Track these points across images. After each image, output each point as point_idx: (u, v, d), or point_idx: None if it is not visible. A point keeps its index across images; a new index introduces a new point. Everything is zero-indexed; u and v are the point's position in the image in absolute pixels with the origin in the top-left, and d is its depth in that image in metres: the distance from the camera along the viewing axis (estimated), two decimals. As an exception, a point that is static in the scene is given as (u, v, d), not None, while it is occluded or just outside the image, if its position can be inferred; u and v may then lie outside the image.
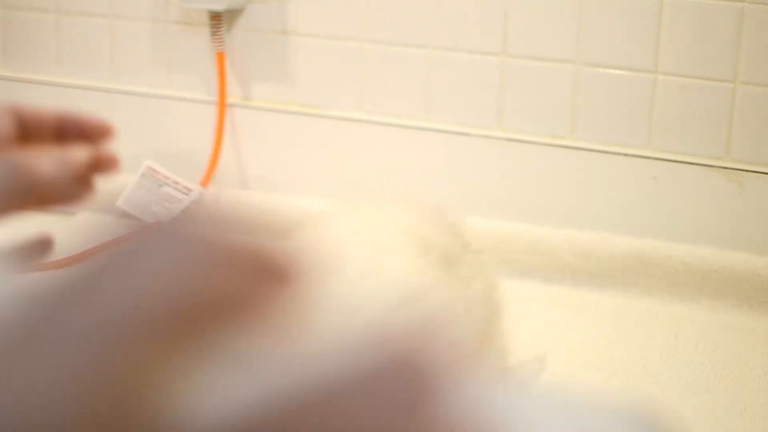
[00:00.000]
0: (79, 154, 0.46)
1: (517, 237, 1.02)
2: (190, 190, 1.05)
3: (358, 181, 1.11)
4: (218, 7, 1.09)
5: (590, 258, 1.00)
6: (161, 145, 1.17)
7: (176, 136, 1.17)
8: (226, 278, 0.20)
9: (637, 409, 0.27)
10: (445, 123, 1.08)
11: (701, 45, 0.99)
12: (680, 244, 1.00)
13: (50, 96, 1.20)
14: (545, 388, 0.26)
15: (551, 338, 0.88)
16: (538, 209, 1.06)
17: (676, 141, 1.02)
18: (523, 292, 0.98)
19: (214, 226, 0.21)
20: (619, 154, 1.03)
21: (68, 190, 0.45)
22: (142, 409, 0.18)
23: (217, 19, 1.11)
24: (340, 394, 0.19)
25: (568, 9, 1.02)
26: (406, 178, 1.10)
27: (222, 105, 1.12)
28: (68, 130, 0.48)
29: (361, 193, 1.11)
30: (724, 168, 1.01)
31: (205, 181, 1.11)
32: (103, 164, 0.47)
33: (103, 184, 0.49)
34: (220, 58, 1.11)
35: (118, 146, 0.50)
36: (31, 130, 0.47)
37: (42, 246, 0.44)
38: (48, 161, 0.43)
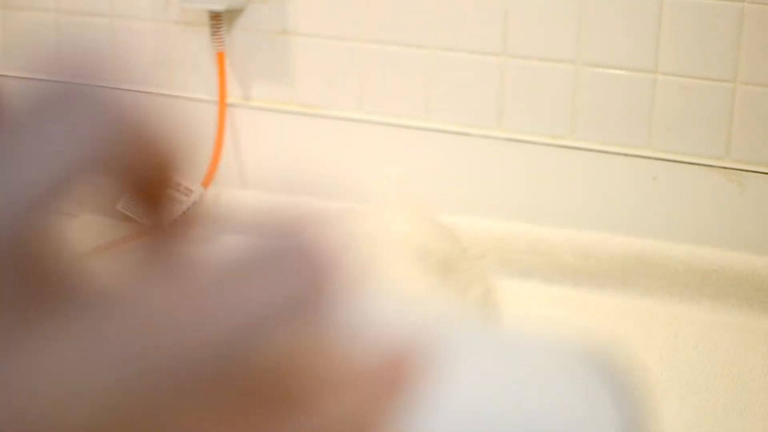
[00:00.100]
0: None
1: (517, 237, 1.03)
2: (191, 192, 1.05)
3: (358, 181, 1.11)
4: (218, 7, 1.09)
5: (590, 258, 1.00)
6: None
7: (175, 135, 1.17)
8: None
9: (592, 348, 0.27)
10: (445, 123, 1.08)
11: (701, 45, 0.99)
12: (680, 244, 1.00)
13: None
14: (493, 326, 0.26)
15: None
16: (538, 209, 1.06)
17: (676, 141, 1.02)
18: (523, 292, 0.98)
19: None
20: (619, 154, 1.03)
21: None
22: None
23: (217, 19, 1.11)
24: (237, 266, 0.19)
25: (568, 9, 1.02)
26: (406, 178, 1.10)
27: (222, 105, 1.12)
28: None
29: (361, 193, 1.11)
30: (724, 168, 1.01)
31: (207, 182, 1.11)
32: None
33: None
34: (220, 58, 1.11)
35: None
36: None
37: None
38: None
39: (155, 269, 0.19)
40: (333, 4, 1.09)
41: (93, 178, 0.18)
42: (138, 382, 0.17)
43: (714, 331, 0.92)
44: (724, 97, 0.99)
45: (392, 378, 0.20)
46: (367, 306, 0.23)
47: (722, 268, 0.97)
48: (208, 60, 1.14)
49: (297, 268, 0.19)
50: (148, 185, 0.20)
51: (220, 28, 1.11)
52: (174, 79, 1.17)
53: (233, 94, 1.14)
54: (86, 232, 0.19)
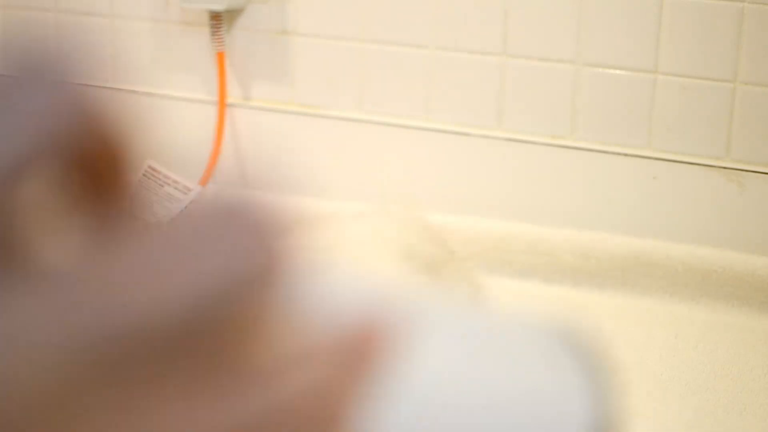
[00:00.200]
0: None
1: (517, 237, 1.02)
2: (189, 190, 1.05)
3: (358, 180, 1.11)
4: (218, 7, 1.09)
5: (590, 258, 1.00)
6: (161, 144, 1.17)
7: (176, 135, 1.17)
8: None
9: (563, 328, 0.27)
10: (445, 123, 1.08)
11: (701, 45, 0.99)
12: (680, 244, 1.00)
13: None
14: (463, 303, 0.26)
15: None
16: (538, 209, 1.06)
17: (676, 141, 1.02)
18: (523, 292, 0.98)
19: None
20: (619, 154, 1.03)
21: None
22: None
23: (217, 19, 1.11)
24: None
25: (568, 9, 1.02)
26: (406, 178, 1.10)
27: (222, 105, 1.12)
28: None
29: (361, 193, 1.11)
30: (724, 168, 1.01)
31: (204, 181, 1.11)
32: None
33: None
34: (220, 58, 1.11)
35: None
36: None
37: None
38: None
39: (109, 240, 0.19)
40: (333, 4, 1.09)
41: (43, 164, 0.19)
42: (92, 350, 0.17)
43: (714, 331, 0.92)
44: (724, 97, 0.99)
45: (360, 350, 0.19)
46: (336, 280, 0.23)
47: (722, 268, 0.97)
48: (208, 60, 1.14)
49: (254, 233, 0.19)
50: (96, 174, 0.20)
51: (220, 28, 1.11)
52: (174, 79, 1.17)
53: (233, 94, 1.14)
54: (38, 217, 0.19)
